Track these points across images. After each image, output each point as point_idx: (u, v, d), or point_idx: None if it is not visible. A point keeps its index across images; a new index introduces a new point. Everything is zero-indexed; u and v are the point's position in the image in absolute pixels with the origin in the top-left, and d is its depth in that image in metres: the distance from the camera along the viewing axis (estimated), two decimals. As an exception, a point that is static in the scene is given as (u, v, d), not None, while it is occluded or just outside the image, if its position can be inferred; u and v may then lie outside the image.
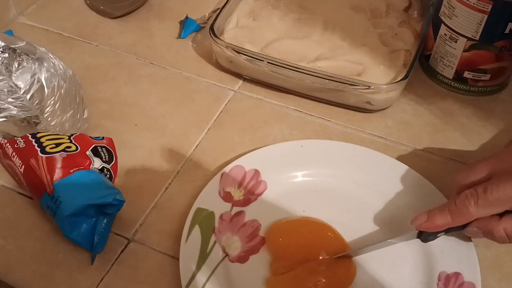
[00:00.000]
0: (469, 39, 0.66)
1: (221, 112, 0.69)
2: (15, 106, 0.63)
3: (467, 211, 0.50)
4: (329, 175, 0.61)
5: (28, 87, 0.64)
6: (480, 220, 0.51)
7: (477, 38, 0.65)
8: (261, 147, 0.63)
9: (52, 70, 0.65)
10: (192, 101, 0.70)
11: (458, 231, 0.54)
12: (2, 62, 0.65)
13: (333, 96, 0.68)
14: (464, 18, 0.65)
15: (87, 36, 0.78)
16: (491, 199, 0.49)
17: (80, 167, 0.56)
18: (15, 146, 0.58)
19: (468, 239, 0.55)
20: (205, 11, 0.81)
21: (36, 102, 0.63)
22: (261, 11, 0.77)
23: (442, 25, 0.68)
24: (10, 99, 0.63)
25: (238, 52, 0.68)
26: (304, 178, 0.61)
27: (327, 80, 0.65)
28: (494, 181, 0.50)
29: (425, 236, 0.54)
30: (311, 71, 0.66)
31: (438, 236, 0.54)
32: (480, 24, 0.64)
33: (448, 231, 0.53)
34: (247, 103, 0.70)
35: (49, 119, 0.63)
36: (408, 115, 0.69)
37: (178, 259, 0.53)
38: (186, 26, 0.78)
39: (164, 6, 0.83)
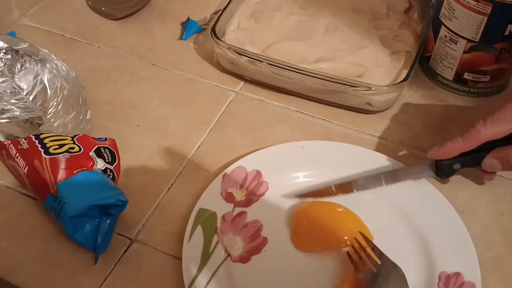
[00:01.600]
0: (469, 40, 0.66)
1: (222, 113, 0.69)
2: (18, 107, 0.63)
3: (476, 130, 0.54)
4: (330, 176, 0.61)
5: (31, 88, 0.64)
6: (496, 150, 0.54)
7: (477, 39, 0.66)
8: (262, 148, 0.63)
9: (55, 72, 0.65)
10: (194, 102, 0.70)
11: (476, 166, 0.56)
12: (5, 64, 0.65)
13: (334, 98, 0.69)
14: (464, 20, 0.65)
15: (89, 38, 0.79)
16: (501, 116, 0.52)
17: (83, 168, 0.56)
18: (19, 147, 0.59)
19: (468, 239, 0.55)
20: (207, 13, 0.82)
21: (39, 103, 0.64)
22: (262, 13, 0.77)
23: (442, 26, 0.68)
24: (13, 100, 0.63)
25: (240, 54, 0.68)
26: (306, 179, 0.61)
27: (328, 82, 0.66)
28: (509, 103, 0.52)
29: (441, 168, 0.55)
30: (312, 73, 0.66)
31: (455, 170, 0.55)
32: (480, 26, 0.64)
33: (464, 165, 0.55)
34: (248, 104, 0.70)
35: (52, 120, 0.63)
36: (409, 116, 0.69)
37: (180, 259, 0.54)
38: (187, 27, 0.79)
39: (165, 8, 0.83)
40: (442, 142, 0.57)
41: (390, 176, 0.58)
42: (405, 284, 0.49)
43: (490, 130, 0.53)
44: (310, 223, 0.56)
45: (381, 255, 0.51)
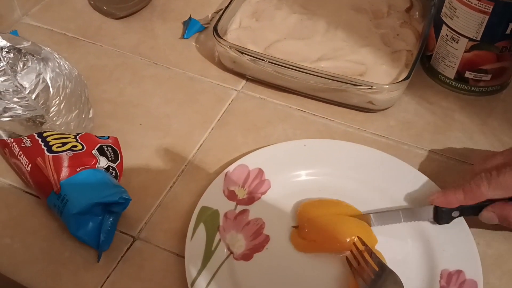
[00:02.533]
0: (470, 39, 0.67)
1: (224, 112, 0.69)
2: (21, 106, 0.63)
3: (479, 190, 0.54)
4: (332, 174, 0.61)
5: (33, 87, 0.64)
6: (496, 205, 0.54)
7: (478, 38, 0.66)
8: (264, 147, 0.64)
9: (57, 70, 0.66)
10: (196, 101, 0.71)
11: (473, 215, 0.56)
12: (7, 62, 0.65)
13: (336, 96, 0.69)
14: (465, 19, 0.65)
15: (91, 37, 0.79)
16: (503, 182, 0.53)
17: (86, 166, 0.56)
18: (22, 145, 0.59)
19: (469, 237, 0.55)
20: (208, 12, 0.82)
21: (41, 102, 0.64)
22: (263, 12, 0.77)
23: (444, 25, 0.69)
24: (15, 99, 0.64)
25: (242, 53, 0.68)
26: (308, 177, 0.61)
27: (330, 80, 0.66)
28: (508, 167, 0.53)
29: (440, 215, 0.56)
30: (314, 71, 0.66)
31: (454, 217, 0.56)
32: (481, 25, 0.65)
33: (463, 213, 0.56)
34: (250, 103, 0.71)
35: (54, 119, 0.63)
36: (410, 115, 0.69)
37: (183, 257, 0.54)
38: (189, 26, 0.79)
39: (167, 7, 0.84)
40: (443, 190, 0.57)
41: (394, 215, 0.58)
42: (400, 285, 0.50)
43: (493, 192, 0.54)
44: (313, 224, 0.56)
45: (379, 261, 0.52)
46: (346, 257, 0.54)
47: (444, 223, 0.56)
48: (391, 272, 0.51)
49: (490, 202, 0.55)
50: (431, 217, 0.57)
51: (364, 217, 0.57)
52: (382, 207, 0.59)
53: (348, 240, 0.54)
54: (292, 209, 0.59)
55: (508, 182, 0.53)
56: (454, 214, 0.56)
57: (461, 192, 0.55)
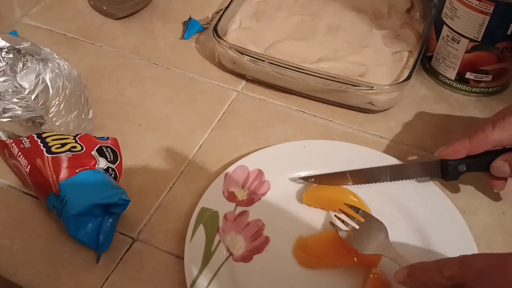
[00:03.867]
0: (471, 40, 0.66)
1: (224, 112, 0.69)
2: (20, 107, 0.63)
3: (484, 134, 0.54)
4: (332, 175, 0.61)
5: (32, 87, 0.64)
6: (508, 154, 0.54)
7: (479, 39, 0.66)
8: (264, 148, 0.63)
9: (57, 71, 0.66)
10: (196, 101, 0.70)
11: (482, 171, 0.56)
12: (7, 63, 0.65)
13: (336, 97, 0.69)
14: (466, 20, 0.65)
15: (91, 37, 0.79)
16: (509, 124, 0.53)
17: (85, 167, 0.56)
18: (21, 146, 0.59)
19: (470, 239, 0.55)
20: (208, 12, 0.82)
21: (41, 103, 0.64)
22: (264, 12, 0.77)
23: (444, 26, 0.68)
24: (15, 100, 0.63)
25: (242, 53, 0.68)
26: (307, 178, 0.61)
27: (330, 81, 0.66)
28: None
29: (446, 169, 0.55)
30: (314, 72, 0.66)
31: (461, 172, 0.55)
32: (482, 26, 0.64)
33: (470, 168, 0.55)
34: (250, 103, 0.70)
35: (54, 119, 0.63)
36: (411, 115, 0.69)
37: (182, 258, 0.54)
38: (189, 27, 0.79)
39: (167, 7, 0.84)
40: (449, 142, 0.57)
41: (396, 171, 0.59)
42: (384, 230, 0.52)
43: (498, 135, 0.53)
44: (317, 240, 0.56)
45: (365, 215, 0.53)
46: (331, 222, 0.54)
47: (451, 179, 0.55)
48: (377, 220, 0.53)
49: (497, 155, 0.54)
50: (438, 172, 0.56)
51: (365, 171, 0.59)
52: (382, 209, 0.58)
53: (353, 255, 0.54)
54: (291, 210, 0.58)
55: None
56: (461, 168, 0.55)
57: (466, 139, 0.54)
